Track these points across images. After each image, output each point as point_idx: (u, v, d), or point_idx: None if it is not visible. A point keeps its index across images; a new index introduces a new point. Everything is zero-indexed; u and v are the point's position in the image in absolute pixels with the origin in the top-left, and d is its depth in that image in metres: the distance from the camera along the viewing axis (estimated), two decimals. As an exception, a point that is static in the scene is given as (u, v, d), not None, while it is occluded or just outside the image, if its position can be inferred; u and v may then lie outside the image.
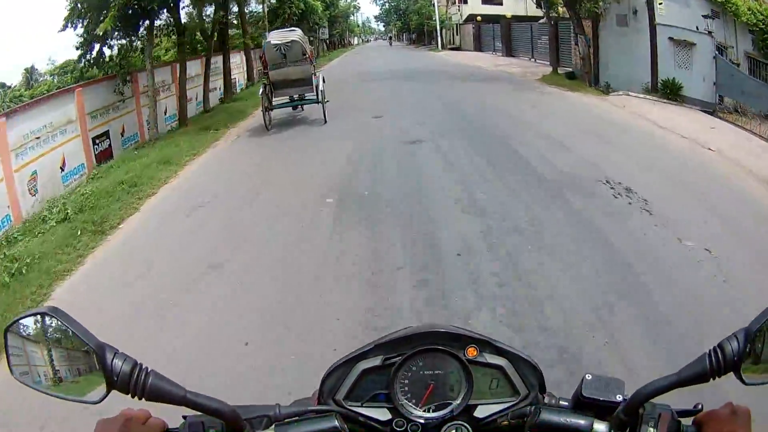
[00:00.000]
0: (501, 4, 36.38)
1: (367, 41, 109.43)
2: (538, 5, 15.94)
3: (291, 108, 10.86)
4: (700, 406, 0.74)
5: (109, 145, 9.93)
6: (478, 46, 31.65)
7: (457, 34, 37.74)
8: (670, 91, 10.73)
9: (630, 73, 11.93)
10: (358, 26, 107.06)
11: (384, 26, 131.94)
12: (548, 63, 19.06)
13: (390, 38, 61.19)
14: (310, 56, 10.11)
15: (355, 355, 0.83)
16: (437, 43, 38.21)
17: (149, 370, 0.68)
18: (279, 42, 9.66)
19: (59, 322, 0.66)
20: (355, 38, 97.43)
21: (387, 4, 58.79)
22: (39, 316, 0.66)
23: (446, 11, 36.58)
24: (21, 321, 0.67)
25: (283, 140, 9.31)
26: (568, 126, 8.70)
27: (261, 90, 10.00)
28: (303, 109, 11.17)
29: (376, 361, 0.82)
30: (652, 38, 11.26)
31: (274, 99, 10.22)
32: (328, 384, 0.83)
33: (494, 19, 30.49)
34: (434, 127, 8.98)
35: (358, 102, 12.47)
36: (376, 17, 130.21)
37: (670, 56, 11.09)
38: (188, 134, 10.37)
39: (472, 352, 0.82)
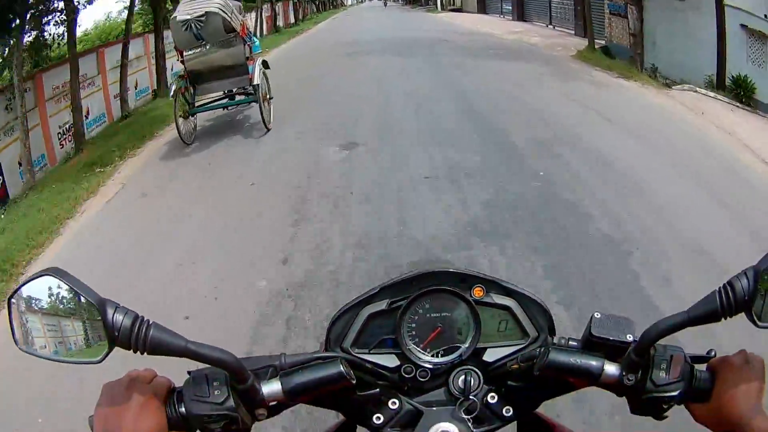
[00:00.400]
0: None
1: (362, 2, 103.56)
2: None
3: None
4: (713, 353, 0.72)
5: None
6: (483, 8, 27.96)
7: None
8: (742, 92, 8.28)
9: (684, 59, 9.76)
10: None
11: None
12: (570, 31, 15.84)
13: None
14: (241, 32, 7.04)
15: (360, 299, 0.81)
16: (436, 4, 34.27)
17: (150, 322, 0.65)
18: (187, 17, 6.54)
19: (61, 282, 0.64)
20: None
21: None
22: (42, 278, 0.65)
23: None
24: (23, 288, 0.66)
25: (206, 177, 5.97)
26: (662, 163, 5.31)
27: (173, 87, 6.91)
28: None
29: (381, 305, 0.81)
30: (719, 21, 8.89)
31: (196, 98, 7.23)
32: (334, 331, 0.81)
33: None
34: (455, 189, 4.84)
35: (326, 108, 8.18)
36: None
37: (741, 47, 8.72)
38: (62, 180, 6.85)
39: (478, 292, 0.81)
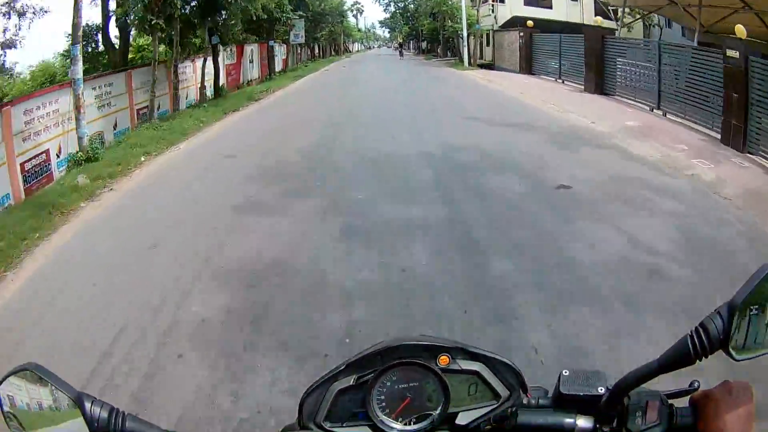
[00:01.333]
0: (550, 7, 25.99)
1: (369, 48, 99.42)
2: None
3: None
4: (696, 384, 0.70)
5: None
6: (528, 66, 20.92)
7: (487, 45, 27.00)
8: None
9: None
10: (360, 30, 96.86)
11: (390, 32, 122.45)
12: (679, 114, 8.80)
13: (401, 47, 50.62)
14: None
15: (328, 377, 0.82)
16: (461, 57, 27.15)
17: (125, 413, 0.70)
18: None
19: (38, 376, 0.69)
20: (356, 44, 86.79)
21: (393, 4, 48.01)
22: (20, 374, 0.70)
23: (476, 12, 25.71)
24: (8, 379, 0.70)
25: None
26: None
27: None
28: None
29: (349, 381, 0.81)
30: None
31: None
32: (306, 408, 0.82)
33: (544, 26, 20.82)
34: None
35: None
36: (381, 22, 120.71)
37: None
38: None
39: (444, 360, 0.80)
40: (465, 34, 24.47)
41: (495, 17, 25.63)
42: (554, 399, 0.77)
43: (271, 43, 21.26)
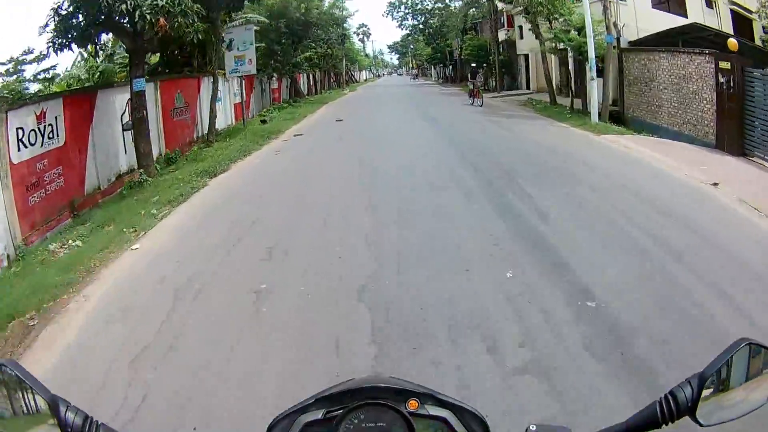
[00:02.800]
0: (686, 14, 16.90)
1: (378, 76, 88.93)
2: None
3: None
4: None
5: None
6: (738, 144, 8.66)
7: (598, 75, 14.42)
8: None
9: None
10: (367, 56, 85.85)
11: (399, 58, 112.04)
12: None
13: (416, 71, 40.01)
14: None
15: (296, 408, 0.82)
16: (586, 106, 14.19)
17: (99, 423, 0.69)
18: None
19: (15, 375, 0.68)
20: (363, 72, 75.58)
21: (410, 17, 36.48)
22: None
23: (606, 17, 13.14)
24: None
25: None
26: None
27: None
28: None
29: (317, 415, 0.81)
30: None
31: None
32: None
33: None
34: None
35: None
36: (389, 47, 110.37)
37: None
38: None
39: (413, 404, 0.80)
40: (592, 51, 11.98)
41: (613, 24, 13.60)
42: None
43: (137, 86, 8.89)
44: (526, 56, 22.50)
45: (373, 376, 0.84)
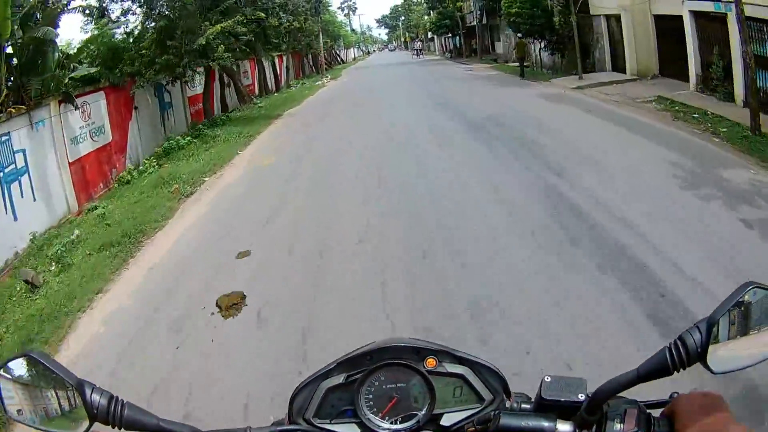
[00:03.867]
0: None
1: (368, 53, 79.22)
2: None
3: None
4: (676, 395, 0.71)
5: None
6: None
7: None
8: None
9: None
10: (354, 32, 76.33)
11: (388, 33, 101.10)
12: None
13: (419, 45, 31.26)
14: None
15: (318, 374, 0.83)
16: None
17: (124, 401, 0.71)
18: None
19: (42, 363, 0.70)
20: (351, 50, 65.98)
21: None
22: (24, 359, 0.71)
23: None
24: (8, 364, 0.70)
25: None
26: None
27: None
28: None
29: (339, 379, 0.83)
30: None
31: None
32: (296, 404, 0.83)
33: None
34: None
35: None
36: (378, 21, 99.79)
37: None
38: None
39: (431, 363, 0.82)
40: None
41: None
42: (536, 404, 0.78)
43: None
44: (612, 19, 13.54)
45: (391, 338, 0.85)
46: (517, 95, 12.30)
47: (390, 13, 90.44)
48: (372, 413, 0.82)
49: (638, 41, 12.49)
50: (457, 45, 31.60)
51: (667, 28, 11.13)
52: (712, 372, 0.65)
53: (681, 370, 0.66)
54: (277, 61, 20.48)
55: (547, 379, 0.77)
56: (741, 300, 0.66)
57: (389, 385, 0.82)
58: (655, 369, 0.67)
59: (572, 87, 12.26)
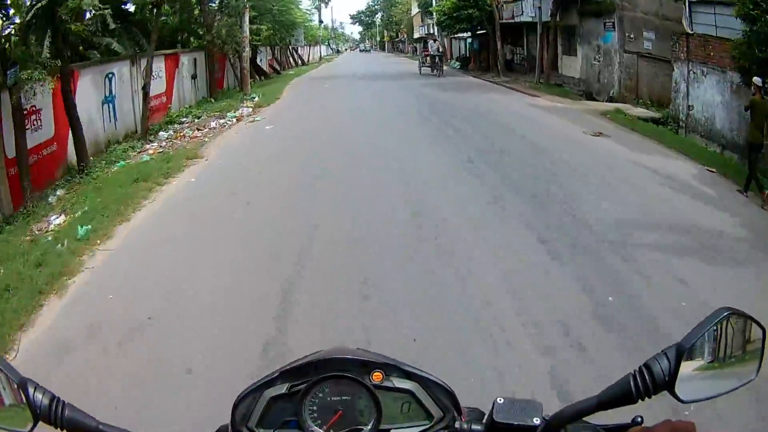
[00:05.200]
0: None
1: (338, 52, 69.68)
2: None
3: None
4: (639, 419, 0.69)
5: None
6: None
7: None
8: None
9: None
10: (325, 28, 67.07)
11: (362, 31, 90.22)
12: None
13: (437, 46, 19.53)
14: None
15: (262, 382, 0.82)
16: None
17: (65, 402, 0.71)
18: None
19: None
20: (318, 48, 55.93)
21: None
22: None
23: None
24: None
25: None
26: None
27: None
28: None
29: (282, 389, 0.81)
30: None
31: None
32: (239, 412, 0.81)
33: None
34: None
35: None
36: (352, 17, 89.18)
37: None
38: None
39: (377, 377, 0.80)
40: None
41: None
42: (487, 426, 0.76)
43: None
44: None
45: (338, 348, 0.81)
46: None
47: (367, 9, 79.92)
48: (316, 425, 0.79)
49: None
50: (476, 49, 21.35)
51: None
52: (680, 401, 0.63)
53: (646, 398, 0.64)
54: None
55: (500, 400, 0.75)
56: (715, 326, 0.64)
57: (334, 397, 0.80)
58: (618, 396, 0.65)
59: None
